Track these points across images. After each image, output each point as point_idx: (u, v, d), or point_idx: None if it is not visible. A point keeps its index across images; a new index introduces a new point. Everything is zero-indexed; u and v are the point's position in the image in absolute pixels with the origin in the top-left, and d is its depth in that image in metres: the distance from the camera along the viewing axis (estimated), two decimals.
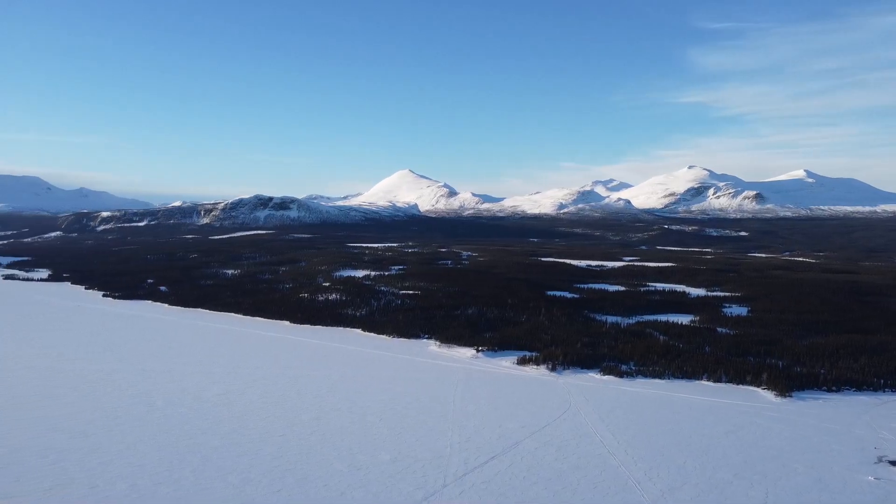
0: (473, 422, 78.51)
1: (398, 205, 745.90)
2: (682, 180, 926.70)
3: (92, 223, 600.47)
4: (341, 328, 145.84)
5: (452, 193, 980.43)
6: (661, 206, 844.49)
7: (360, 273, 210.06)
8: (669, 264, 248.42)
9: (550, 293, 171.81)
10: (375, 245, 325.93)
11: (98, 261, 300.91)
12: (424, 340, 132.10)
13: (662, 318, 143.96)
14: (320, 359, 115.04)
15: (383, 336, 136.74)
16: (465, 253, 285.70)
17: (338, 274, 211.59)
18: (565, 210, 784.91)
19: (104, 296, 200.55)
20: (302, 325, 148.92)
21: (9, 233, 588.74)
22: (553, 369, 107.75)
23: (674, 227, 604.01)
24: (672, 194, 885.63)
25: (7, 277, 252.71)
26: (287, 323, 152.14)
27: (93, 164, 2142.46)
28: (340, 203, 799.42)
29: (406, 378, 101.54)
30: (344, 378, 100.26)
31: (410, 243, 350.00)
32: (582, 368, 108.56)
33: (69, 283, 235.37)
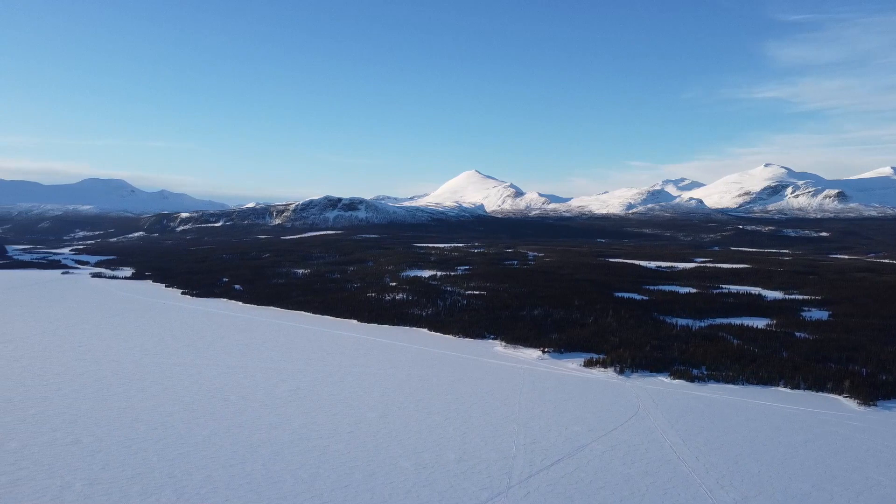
0: (539, 423, 78.04)
1: (464, 205, 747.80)
2: (758, 179, 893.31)
3: (172, 224, 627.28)
4: (407, 327, 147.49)
5: (519, 193, 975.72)
6: (735, 206, 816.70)
7: (427, 273, 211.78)
8: (744, 266, 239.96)
9: (618, 294, 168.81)
10: (441, 245, 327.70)
11: (177, 260, 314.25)
12: (490, 341, 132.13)
13: (736, 321, 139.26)
14: (387, 357, 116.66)
15: (449, 336, 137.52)
16: (531, 253, 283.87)
17: (404, 274, 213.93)
18: (634, 210, 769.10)
19: (182, 293, 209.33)
20: (369, 324, 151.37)
21: (97, 233, 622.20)
22: (621, 372, 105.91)
23: (748, 228, 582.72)
24: (747, 193, 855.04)
25: (94, 275, 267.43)
26: (355, 322, 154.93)
27: (173, 168, 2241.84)
28: (407, 204, 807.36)
29: (471, 378, 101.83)
30: (410, 377, 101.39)
31: (476, 243, 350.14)
32: (651, 372, 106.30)
33: (150, 281, 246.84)
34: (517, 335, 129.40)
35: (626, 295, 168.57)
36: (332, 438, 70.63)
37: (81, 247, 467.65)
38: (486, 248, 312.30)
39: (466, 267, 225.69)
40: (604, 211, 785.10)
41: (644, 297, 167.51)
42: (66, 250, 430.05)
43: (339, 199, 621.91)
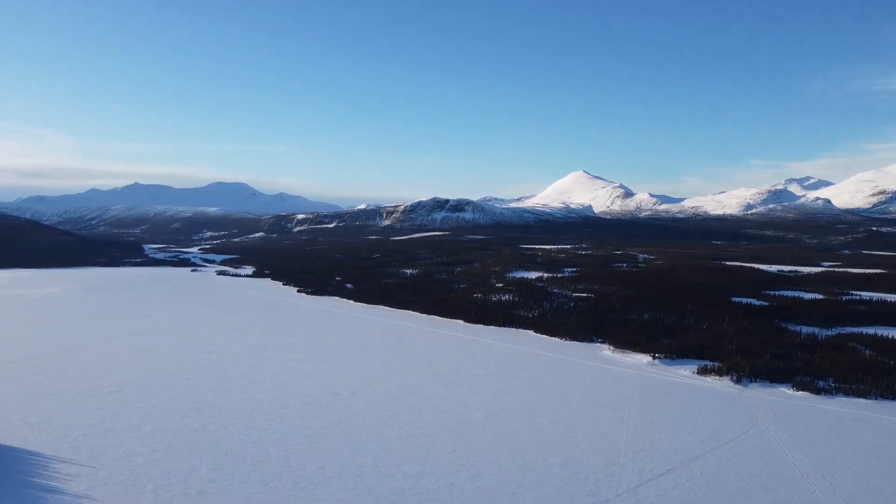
0: (649, 431, 75.72)
1: (572, 206, 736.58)
2: (895, 177, 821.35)
3: (289, 225, 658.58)
4: (513, 329, 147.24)
5: (628, 194, 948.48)
6: (867, 206, 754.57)
7: (533, 274, 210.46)
8: (878, 271, 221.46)
9: (735, 299, 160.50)
10: (548, 247, 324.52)
11: (293, 259, 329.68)
12: (597, 344, 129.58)
13: (868, 330, 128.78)
14: (492, 358, 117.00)
15: (555, 338, 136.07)
16: (641, 255, 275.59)
17: (510, 275, 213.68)
18: (753, 210, 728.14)
19: (298, 291, 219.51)
20: (475, 325, 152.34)
21: (222, 233, 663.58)
22: (737, 381, 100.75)
23: (883, 230, 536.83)
24: (882, 192, 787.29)
25: (219, 273, 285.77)
26: (461, 322, 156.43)
27: (291, 171, 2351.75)
28: (514, 205, 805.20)
29: (578, 382, 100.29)
30: (515, 378, 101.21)
31: (584, 245, 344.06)
32: (771, 382, 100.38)
33: (269, 279, 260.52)
34: (626, 339, 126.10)
35: (744, 300, 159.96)
36: (438, 436, 71.78)
37: (208, 246, 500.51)
38: (593, 250, 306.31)
39: (573, 269, 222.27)
40: (719, 212, 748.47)
41: (764, 303, 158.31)
42: (194, 249, 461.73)
43: (447, 201, 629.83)
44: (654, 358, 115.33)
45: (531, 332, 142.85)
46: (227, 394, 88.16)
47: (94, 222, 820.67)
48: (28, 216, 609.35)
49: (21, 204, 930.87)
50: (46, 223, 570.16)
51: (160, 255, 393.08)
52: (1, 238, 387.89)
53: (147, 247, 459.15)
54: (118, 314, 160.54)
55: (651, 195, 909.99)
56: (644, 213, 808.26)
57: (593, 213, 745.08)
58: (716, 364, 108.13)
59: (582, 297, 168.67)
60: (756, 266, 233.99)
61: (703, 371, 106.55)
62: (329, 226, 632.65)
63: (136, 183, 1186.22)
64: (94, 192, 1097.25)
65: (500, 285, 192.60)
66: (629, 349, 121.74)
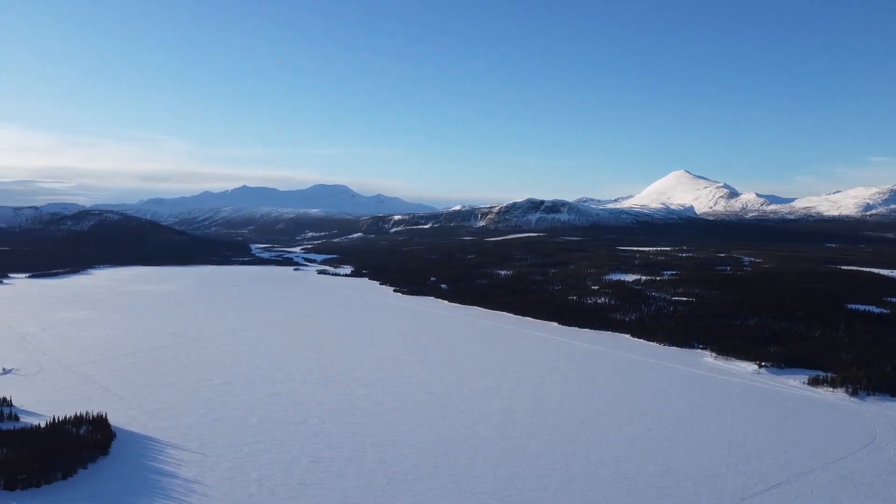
0: (754, 443, 72.18)
1: (672, 207, 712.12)
2: None
3: (386, 225, 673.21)
4: (609, 332, 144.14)
5: (733, 194, 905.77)
6: None
7: (630, 277, 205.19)
8: None
9: (852, 306, 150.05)
10: (647, 249, 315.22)
11: (390, 259, 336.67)
12: (699, 350, 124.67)
13: None
14: (587, 362, 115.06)
15: (653, 343, 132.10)
16: (746, 258, 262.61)
17: (607, 277, 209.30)
18: (873, 212, 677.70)
19: (394, 291, 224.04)
20: (570, 327, 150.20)
21: (322, 233, 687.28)
22: (853, 394, 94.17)
23: None
24: None
25: (320, 272, 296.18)
26: (555, 324, 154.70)
27: (388, 173, 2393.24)
28: (611, 206, 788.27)
29: (677, 388, 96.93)
30: (611, 383, 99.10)
31: (685, 247, 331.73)
32: (892, 396, 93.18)
33: (367, 279, 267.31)
34: (729, 346, 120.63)
35: (862, 307, 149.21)
36: (531, 439, 71.45)
37: (310, 246, 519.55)
38: (695, 253, 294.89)
39: (673, 271, 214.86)
40: (834, 212, 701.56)
41: (884, 311, 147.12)
42: (297, 249, 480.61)
43: (542, 202, 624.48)
44: (761, 366, 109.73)
45: (628, 336, 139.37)
46: (327, 389, 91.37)
47: (206, 223, 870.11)
48: (148, 217, 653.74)
49: (142, 206, 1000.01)
50: (164, 224, 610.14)
51: (265, 255, 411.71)
52: (126, 237, 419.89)
53: (253, 246, 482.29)
54: (227, 310, 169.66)
55: (758, 195, 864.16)
56: (750, 214, 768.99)
57: (695, 213, 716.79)
58: (829, 375, 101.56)
59: (682, 300, 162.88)
60: (876, 271, 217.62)
61: (814, 382, 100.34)
62: (425, 227, 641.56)
63: (244, 186, 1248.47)
64: (206, 195, 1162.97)
65: (596, 288, 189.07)
66: (733, 356, 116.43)
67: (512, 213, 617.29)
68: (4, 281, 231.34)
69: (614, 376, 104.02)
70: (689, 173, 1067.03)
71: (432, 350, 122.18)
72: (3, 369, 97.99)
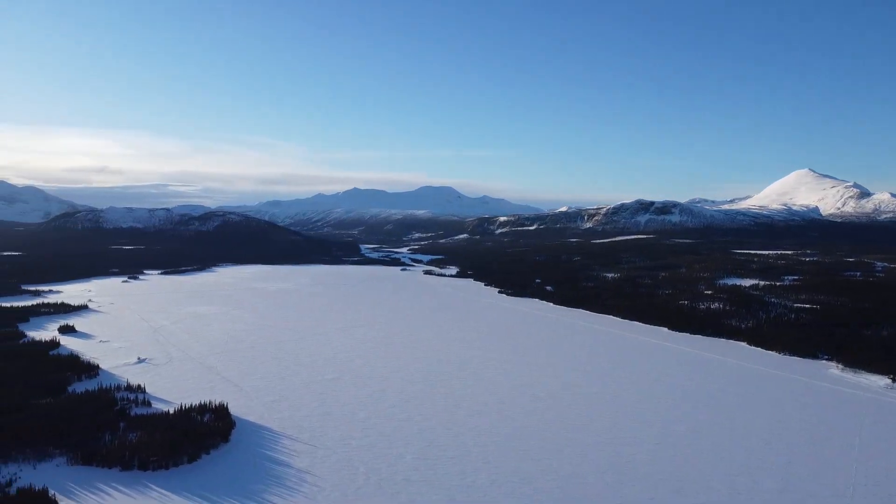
0: (886, 463, 66.73)
1: (794, 208, 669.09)
2: None
3: (491, 227, 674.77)
4: (723, 339, 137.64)
5: (864, 194, 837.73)
6: None
7: (747, 282, 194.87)
8: None
9: None
10: (765, 252, 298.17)
11: (495, 261, 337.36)
12: (823, 361, 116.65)
13: None
14: (699, 370, 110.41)
15: (772, 352, 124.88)
16: (879, 263, 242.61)
17: (721, 282, 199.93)
18: None
19: (499, 292, 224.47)
20: (680, 333, 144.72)
21: (429, 234, 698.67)
22: None
23: None
24: None
25: (426, 273, 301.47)
26: (665, 329, 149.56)
27: (494, 175, 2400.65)
28: (726, 207, 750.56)
29: (798, 401, 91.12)
30: (724, 392, 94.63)
31: (808, 251, 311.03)
32: None
33: (472, 280, 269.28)
34: (859, 358, 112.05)
35: None
36: (638, 446, 69.54)
37: (416, 247, 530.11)
38: (819, 257, 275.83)
39: (795, 276, 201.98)
40: None
41: None
42: (404, 250, 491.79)
43: (652, 203, 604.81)
44: (895, 380, 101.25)
45: (744, 344, 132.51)
46: (432, 388, 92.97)
47: (318, 224, 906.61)
48: (266, 218, 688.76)
49: (261, 207, 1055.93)
50: (281, 224, 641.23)
51: (374, 255, 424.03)
52: (247, 237, 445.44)
53: (363, 247, 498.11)
54: (338, 309, 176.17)
55: (893, 195, 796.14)
56: (884, 216, 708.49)
57: (819, 215, 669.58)
58: None
59: (804, 307, 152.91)
60: None
61: None
62: (530, 228, 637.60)
63: (354, 188, 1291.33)
64: (319, 197, 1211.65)
65: (710, 292, 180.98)
66: (862, 369, 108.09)
67: (620, 215, 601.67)
68: (140, 277, 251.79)
69: (729, 385, 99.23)
70: (814, 172, 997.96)
71: (536, 352, 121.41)
72: (139, 358, 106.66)
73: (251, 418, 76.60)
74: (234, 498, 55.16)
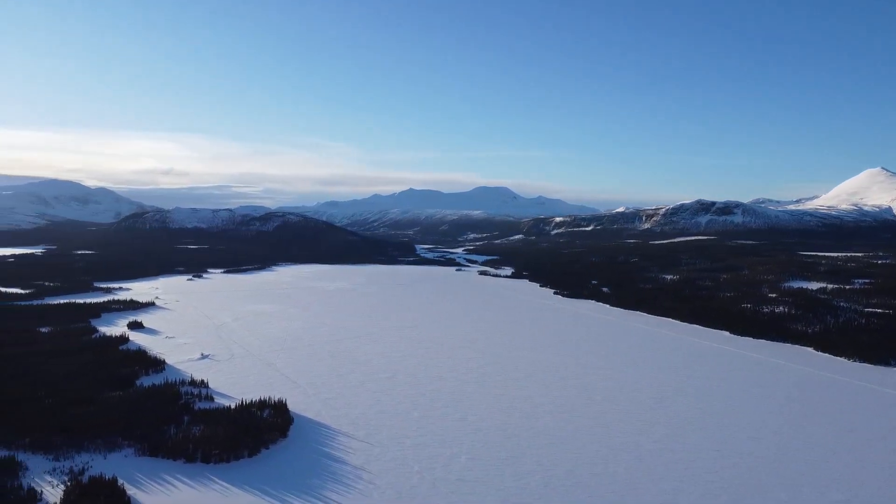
0: None
1: (865, 208, 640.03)
2: None
3: (547, 227, 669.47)
4: (787, 344, 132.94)
5: None
6: None
7: (814, 285, 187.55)
8: None
9: None
10: (834, 254, 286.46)
11: (550, 261, 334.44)
12: (895, 369, 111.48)
13: None
14: (761, 375, 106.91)
15: (841, 358, 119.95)
16: None
17: (786, 285, 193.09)
18: None
19: (554, 293, 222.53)
20: (742, 338, 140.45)
21: (483, 235, 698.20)
22: None
23: None
24: None
25: (481, 273, 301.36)
26: (726, 333, 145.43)
27: (550, 175, 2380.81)
28: (791, 207, 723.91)
29: (870, 411, 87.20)
30: (790, 400, 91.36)
31: (880, 253, 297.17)
32: None
33: (527, 280, 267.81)
34: None
35: None
36: (697, 454, 67.92)
37: (471, 247, 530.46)
38: (893, 259, 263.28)
39: (866, 280, 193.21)
40: None
41: None
42: (459, 250, 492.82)
43: (712, 203, 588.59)
44: None
45: (810, 350, 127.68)
46: (486, 388, 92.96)
47: (375, 224, 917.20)
48: (324, 219, 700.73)
49: (319, 208, 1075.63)
50: (338, 225, 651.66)
51: (429, 255, 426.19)
52: (305, 237, 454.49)
53: (418, 247, 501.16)
54: (394, 308, 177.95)
55: None
56: None
57: (893, 215, 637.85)
58: None
59: (877, 312, 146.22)
60: None
61: None
62: (586, 228, 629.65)
63: (410, 188, 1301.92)
64: (375, 198, 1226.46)
65: (774, 295, 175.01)
66: None
67: (679, 215, 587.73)
68: (204, 275, 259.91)
69: (794, 392, 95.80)
70: (887, 171, 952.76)
71: (592, 355, 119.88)
72: (202, 354, 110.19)
73: (308, 414, 78.20)
74: (293, 492, 56.46)
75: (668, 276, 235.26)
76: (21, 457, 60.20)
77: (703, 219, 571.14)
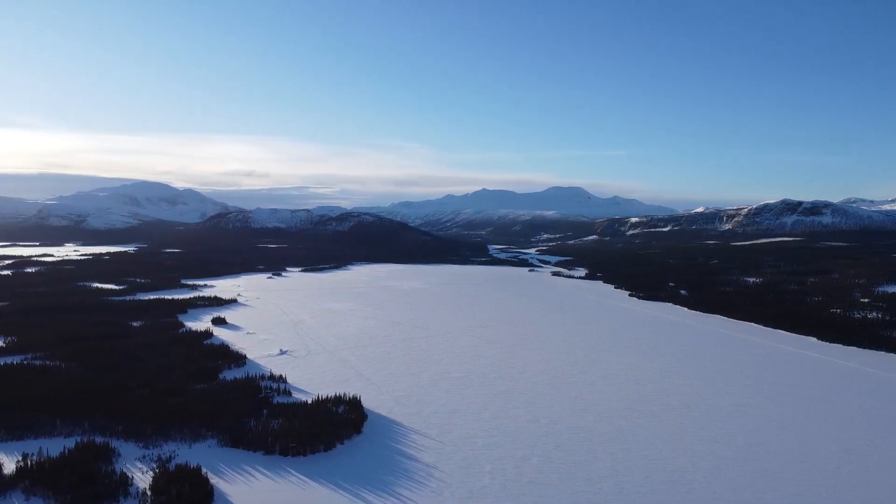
0: None
1: None
2: None
3: (622, 228, 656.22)
4: (881, 353, 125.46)
5: None
6: None
7: None
8: None
9: None
10: None
11: (625, 262, 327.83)
12: None
13: None
14: (852, 384, 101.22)
15: None
16: None
17: (880, 289, 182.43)
18: None
19: (629, 295, 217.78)
20: (831, 344, 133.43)
21: (557, 235, 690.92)
22: None
23: None
24: None
25: (554, 274, 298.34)
26: (813, 339, 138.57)
27: (625, 175, 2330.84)
28: (887, 207, 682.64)
29: None
30: (881, 410, 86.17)
31: None
32: None
33: (601, 282, 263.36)
34: None
35: None
36: (781, 464, 65.07)
37: (544, 248, 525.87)
38: None
39: None
40: None
41: None
42: (532, 251, 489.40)
43: (799, 203, 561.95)
44: None
45: None
46: (558, 390, 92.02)
47: (448, 224, 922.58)
48: (398, 219, 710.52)
49: (393, 208, 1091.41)
50: (412, 225, 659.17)
51: (502, 256, 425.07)
52: (379, 237, 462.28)
53: (491, 247, 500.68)
54: (467, 308, 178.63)
55: None
56: None
57: None
58: None
59: None
60: None
61: None
62: (663, 229, 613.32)
63: (483, 189, 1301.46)
64: (448, 198, 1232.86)
65: (866, 300, 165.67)
66: None
67: (763, 216, 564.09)
68: (283, 273, 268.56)
69: (890, 403, 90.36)
70: None
71: (668, 358, 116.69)
72: (280, 350, 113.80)
73: (382, 412, 79.53)
74: (366, 488, 57.57)
75: (751, 279, 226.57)
76: (115, 443, 63.86)
77: (789, 219, 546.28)
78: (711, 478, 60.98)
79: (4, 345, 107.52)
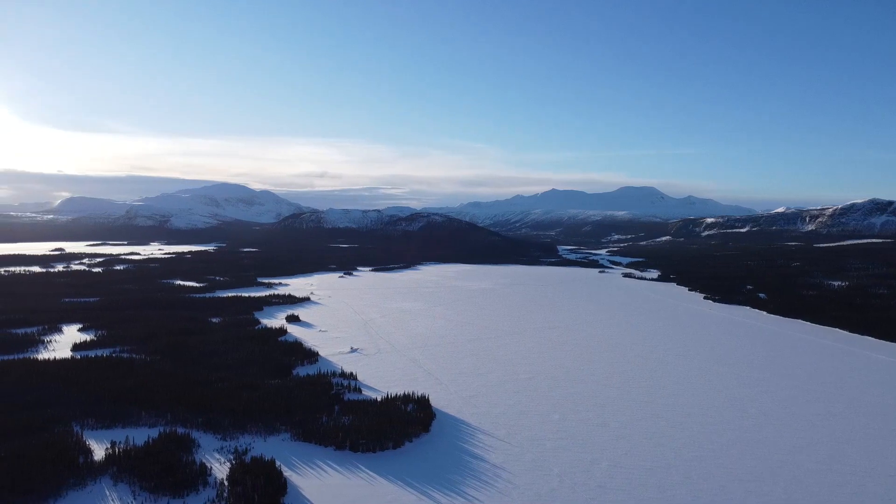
0: None
1: None
2: None
3: (697, 229, 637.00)
4: None
5: None
6: None
7: None
8: None
9: None
10: None
11: (700, 264, 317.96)
12: None
13: None
14: None
15: None
16: None
17: None
18: None
19: (704, 298, 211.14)
20: None
21: (628, 236, 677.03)
22: None
23: None
24: None
25: (625, 275, 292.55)
26: None
27: (700, 174, 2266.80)
28: None
29: None
30: None
31: None
32: None
33: (674, 284, 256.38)
34: None
35: None
36: (867, 478, 61.83)
37: (615, 249, 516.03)
38: None
39: None
40: None
41: None
42: (602, 251, 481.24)
43: (889, 203, 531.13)
44: None
45: None
46: (629, 394, 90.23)
47: (516, 225, 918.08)
48: (467, 219, 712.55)
49: (462, 209, 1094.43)
50: (481, 225, 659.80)
51: (571, 256, 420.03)
52: (449, 237, 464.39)
53: (560, 248, 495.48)
54: (536, 309, 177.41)
55: None
56: None
57: None
58: None
59: None
60: None
61: None
62: (741, 230, 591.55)
63: (552, 189, 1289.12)
64: (517, 198, 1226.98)
65: None
66: None
67: (849, 216, 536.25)
68: (354, 273, 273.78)
69: None
70: None
71: (746, 364, 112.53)
72: (351, 348, 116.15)
73: (450, 411, 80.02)
74: (434, 486, 58.09)
75: (836, 283, 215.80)
76: (195, 434, 66.75)
77: (878, 220, 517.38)
78: (791, 490, 58.53)
79: (96, 338, 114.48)
